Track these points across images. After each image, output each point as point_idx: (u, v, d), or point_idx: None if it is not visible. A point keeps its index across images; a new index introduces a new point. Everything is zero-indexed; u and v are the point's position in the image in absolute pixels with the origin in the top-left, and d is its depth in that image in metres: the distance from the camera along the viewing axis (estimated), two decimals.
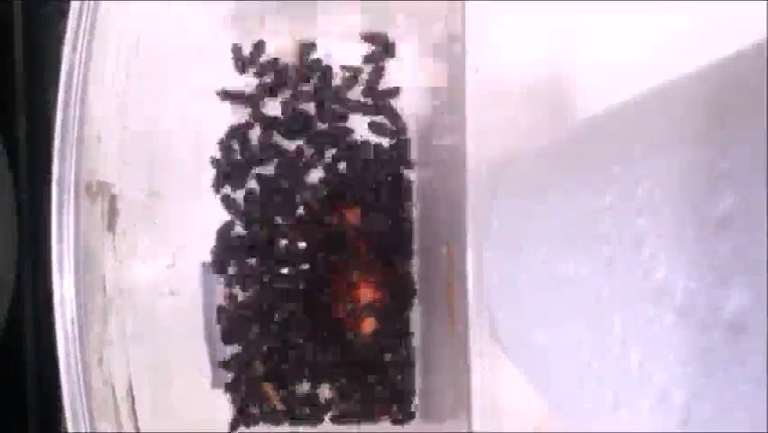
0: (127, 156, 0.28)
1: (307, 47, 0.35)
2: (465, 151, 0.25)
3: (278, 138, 0.35)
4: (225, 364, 0.34)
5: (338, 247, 0.35)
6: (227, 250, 0.34)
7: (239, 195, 0.35)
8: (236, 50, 0.35)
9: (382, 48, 0.35)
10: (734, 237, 0.11)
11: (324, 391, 0.35)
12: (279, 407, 0.34)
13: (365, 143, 0.35)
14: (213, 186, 0.34)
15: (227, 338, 0.34)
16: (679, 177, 0.13)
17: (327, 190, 0.35)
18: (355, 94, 0.35)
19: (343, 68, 0.35)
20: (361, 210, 0.35)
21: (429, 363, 0.34)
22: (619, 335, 0.15)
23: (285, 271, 0.35)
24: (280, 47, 0.35)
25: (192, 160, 0.34)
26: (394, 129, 0.35)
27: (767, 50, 0.12)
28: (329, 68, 0.35)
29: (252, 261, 0.34)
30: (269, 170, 0.35)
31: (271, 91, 0.35)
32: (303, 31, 0.35)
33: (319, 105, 0.35)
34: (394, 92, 0.35)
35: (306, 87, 0.35)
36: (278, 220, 0.35)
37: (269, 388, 0.34)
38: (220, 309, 0.34)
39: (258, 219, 0.35)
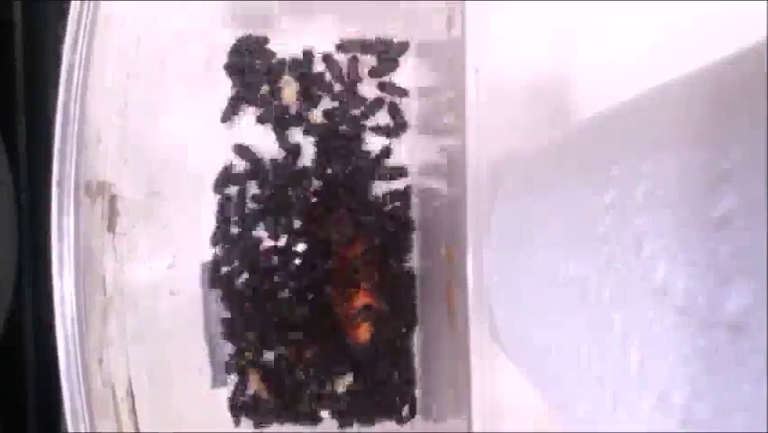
0: (127, 156, 0.28)
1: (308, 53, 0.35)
2: (465, 151, 0.25)
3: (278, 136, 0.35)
4: (225, 365, 0.34)
5: (338, 249, 0.35)
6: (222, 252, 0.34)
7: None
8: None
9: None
10: (734, 237, 0.11)
11: (325, 392, 0.35)
12: (265, 396, 0.34)
13: (364, 143, 0.35)
14: (213, 188, 0.35)
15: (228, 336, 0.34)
16: (679, 177, 0.13)
17: (326, 192, 0.35)
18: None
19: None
20: (360, 212, 0.35)
21: (429, 364, 0.34)
22: (619, 335, 0.15)
23: (285, 271, 0.35)
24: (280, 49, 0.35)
25: (192, 160, 0.34)
26: (394, 129, 0.35)
27: (767, 50, 0.12)
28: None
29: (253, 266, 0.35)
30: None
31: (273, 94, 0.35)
32: (303, 31, 0.35)
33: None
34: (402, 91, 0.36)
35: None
36: (278, 220, 0.35)
37: (257, 381, 0.34)
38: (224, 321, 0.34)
39: (258, 222, 0.35)
